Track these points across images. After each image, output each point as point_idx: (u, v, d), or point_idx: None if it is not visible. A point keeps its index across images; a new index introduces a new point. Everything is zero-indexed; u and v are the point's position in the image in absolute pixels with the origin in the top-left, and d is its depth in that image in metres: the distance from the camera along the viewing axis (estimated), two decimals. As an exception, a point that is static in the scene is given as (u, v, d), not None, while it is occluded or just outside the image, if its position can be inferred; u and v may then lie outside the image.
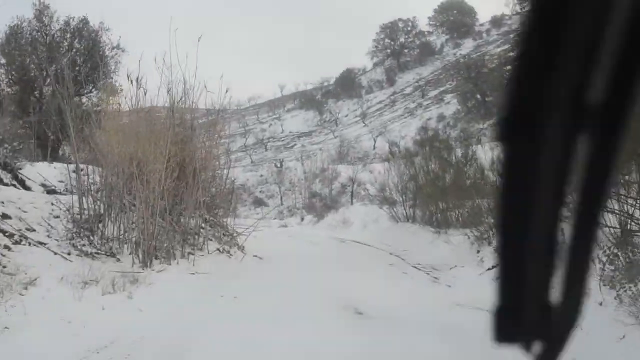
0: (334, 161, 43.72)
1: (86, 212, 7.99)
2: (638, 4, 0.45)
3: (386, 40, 74.62)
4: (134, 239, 7.66)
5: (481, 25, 73.59)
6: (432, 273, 8.63)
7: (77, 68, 18.80)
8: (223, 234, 9.91)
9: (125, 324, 4.67)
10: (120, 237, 7.78)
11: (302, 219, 24.70)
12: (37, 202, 8.18)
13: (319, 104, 71.67)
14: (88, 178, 8.71)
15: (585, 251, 0.56)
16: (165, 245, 7.84)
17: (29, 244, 6.91)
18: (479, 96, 45.76)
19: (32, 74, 19.03)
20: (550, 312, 0.58)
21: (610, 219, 5.50)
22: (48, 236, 7.39)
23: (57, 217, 7.96)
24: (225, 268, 8.20)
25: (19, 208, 7.70)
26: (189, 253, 8.25)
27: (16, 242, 6.70)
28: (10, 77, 19.03)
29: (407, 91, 66.70)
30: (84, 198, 8.11)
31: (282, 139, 66.85)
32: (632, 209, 5.53)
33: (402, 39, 74.37)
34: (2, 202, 7.52)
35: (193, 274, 7.43)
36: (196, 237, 8.93)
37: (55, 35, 20.76)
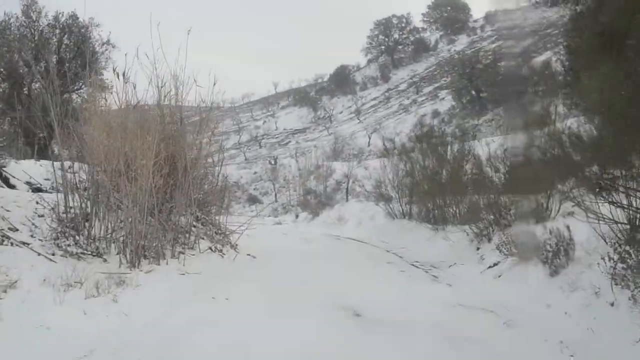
0: (329, 158, 43.46)
1: (72, 210, 7.68)
2: None
3: (380, 36, 74.41)
4: (121, 239, 7.35)
5: (475, 21, 73.54)
6: (431, 271, 8.38)
7: (66, 65, 18.48)
8: (215, 232, 9.65)
9: (107, 330, 4.38)
10: (108, 236, 7.47)
11: (297, 216, 24.43)
12: (20, 201, 7.88)
13: (313, 100, 71.42)
14: (74, 176, 8.39)
15: None
16: (154, 244, 7.55)
17: (12, 244, 6.60)
18: (473, 92, 45.65)
19: (21, 71, 18.69)
20: None
21: (618, 214, 5.25)
22: (32, 236, 7.09)
23: (42, 216, 7.65)
24: (217, 268, 7.94)
25: (1, 207, 7.40)
26: (180, 252, 7.98)
27: (-3, 243, 6.39)
28: (-2, 73, 18.71)
29: (402, 87, 66.51)
30: (70, 196, 7.80)
31: (276, 136, 66.56)
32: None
33: (396, 36, 74.17)
34: (-17, 201, 7.22)
35: (183, 274, 7.15)
36: (187, 235, 8.66)
37: (44, 31, 20.40)
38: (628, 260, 4.58)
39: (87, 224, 7.61)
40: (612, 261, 4.69)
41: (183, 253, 8.00)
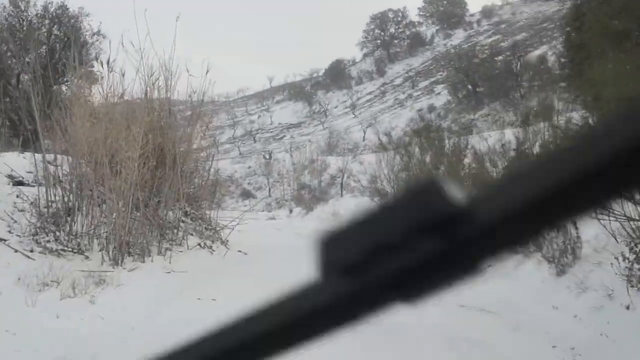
0: (324, 152, 43.17)
1: (54, 205, 7.30)
2: None
3: (376, 30, 74.08)
4: (104, 234, 6.99)
5: (471, 15, 73.37)
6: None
7: (56, 55, 18.05)
8: (205, 228, 9.29)
9: (80, 336, 4.01)
10: (90, 232, 7.11)
11: (291, 211, 24.12)
12: (-1, 195, 7.51)
13: (308, 95, 71.07)
14: (57, 168, 8.02)
15: None
16: (139, 240, 7.19)
17: (-13, 240, 6.25)
18: (470, 87, 45.42)
19: (9, 62, 18.26)
20: None
21: (630, 210, 4.93)
22: (9, 232, 6.72)
23: (22, 210, 7.28)
24: (205, 265, 7.57)
25: (-21, 201, 7.03)
26: (167, 249, 7.61)
27: (-29, 239, 6.04)
28: (-15, 64, 18.28)
29: (397, 82, 66.23)
30: (52, 190, 7.43)
31: (271, 130, 66.19)
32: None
33: (392, 30, 73.85)
34: (-41, 195, 6.85)
35: (169, 272, 6.78)
36: (175, 231, 8.30)
37: (33, 21, 19.97)
38: (644, 260, 4.27)
39: (69, 219, 7.25)
40: (627, 261, 4.37)
41: (170, 250, 7.64)
